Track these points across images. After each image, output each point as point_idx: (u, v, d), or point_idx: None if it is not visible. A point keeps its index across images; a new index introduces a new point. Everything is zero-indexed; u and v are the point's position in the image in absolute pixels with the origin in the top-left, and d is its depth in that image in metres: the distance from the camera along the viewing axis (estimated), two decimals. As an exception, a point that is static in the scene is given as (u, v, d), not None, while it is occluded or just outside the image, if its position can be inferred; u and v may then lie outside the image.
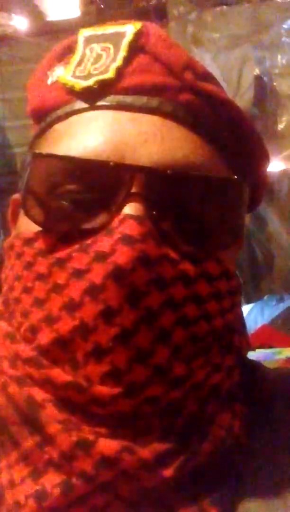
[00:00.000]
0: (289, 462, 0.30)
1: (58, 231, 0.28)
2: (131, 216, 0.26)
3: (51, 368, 0.27)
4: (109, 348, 0.25)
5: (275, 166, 1.66)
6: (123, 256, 0.25)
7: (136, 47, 0.30)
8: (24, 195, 0.29)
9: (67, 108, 0.30)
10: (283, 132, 1.69)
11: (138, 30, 0.30)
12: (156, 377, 0.26)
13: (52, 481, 0.25)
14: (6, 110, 1.78)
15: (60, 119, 0.31)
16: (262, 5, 1.69)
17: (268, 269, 1.83)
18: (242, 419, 0.30)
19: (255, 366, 0.36)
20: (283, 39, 1.69)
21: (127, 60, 0.30)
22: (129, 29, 0.30)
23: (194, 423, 0.28)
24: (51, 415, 0.26)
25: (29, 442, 0.26)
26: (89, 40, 0.31)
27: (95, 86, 0.29)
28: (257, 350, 1.20)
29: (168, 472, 0.26)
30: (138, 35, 0.30)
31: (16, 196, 0.34)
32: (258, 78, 1.67)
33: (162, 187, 0.27)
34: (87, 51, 0.31)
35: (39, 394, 0.27)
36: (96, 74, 0.30)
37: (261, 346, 1.25)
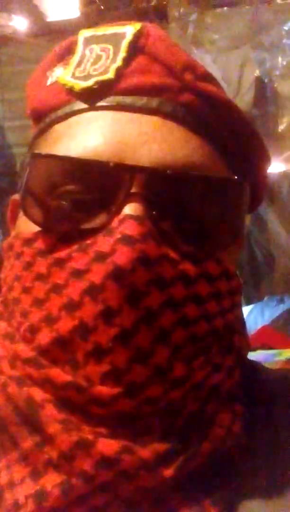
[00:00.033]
0: (289, 462, 0.30)
1: (58, 231, 0.28)
2: (131, 216, 0.26)
3: (50, 368, 0.27)
4: (109, 348, 0.25)
5: (275, 167, 1.66)
6: (123, 256, 0.25)
7: (136, 48, 0.30)
8: (23, 195, 0.29)
9: (67, 109, 0.30)
10: (284, 133, 1.69)
11: (137, 30, 0.30)
12: (156, 377, 0.26)
13: (52, 481, 0.25)
14: (6, 110, 1.79)
15: (59, 119, 0.31)
16: (262, 7, 1.69)
17: (268, 270, 1.83)
18: (242, 419, 0.30)
19: (255, 366, 0.36)
20: (284, 40, 1.69)
21: (127, 60, 0.30)
22: (129, 30, 0.30)
23: (194, 423, 0.28)
24: (51, 415, 0.26)
25: (28, 442, 0.26)
26: (88, 41, 0.31)
27: (95, 87, 0.29)
28: (257, 351, 1.20)
29: (168, 472, 0.26)
30: (138, 35, 0.30)
31: (16, 196, 0.34)
32: (258, 79, 1.68)
33: (162, 187, 0.27)
34: (87, 52, 0.31)
35: (38, 394, 0.27)
36: (96, 75, 0.30)
37: (261, 347, 1.25)
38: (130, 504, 0.26)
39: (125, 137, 0.28)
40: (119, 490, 0.26)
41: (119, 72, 0.29)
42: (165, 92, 0.30)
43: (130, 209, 0.26)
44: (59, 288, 0.27)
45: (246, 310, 1.55)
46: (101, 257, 0.26)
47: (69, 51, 0.32)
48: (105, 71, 0.30)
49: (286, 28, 1.69)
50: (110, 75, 0.29)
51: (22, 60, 1.70)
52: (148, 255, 0.25)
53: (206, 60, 1.62)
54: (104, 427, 0.26)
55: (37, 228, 0.29)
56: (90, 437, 0.25)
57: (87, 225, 0.28)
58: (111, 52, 0.30)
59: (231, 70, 1.65)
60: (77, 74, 0.30)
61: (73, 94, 0.30)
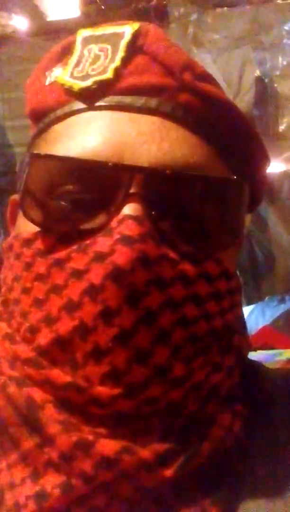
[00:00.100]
0: (289, 462, 0.29)
1: (57, 232, 0.28)
2: (130, 217, 0.26)
3: (50, 368, 0.27)
4: (109, 349, 0.25)
5: (275, 167, 1.66)
6: (122, 256, 0.25)
7: (135, 48, 0.30)
8: (22, 195, 0.29)
9: (66, 109, 0.30)
10: (284, 134, 1.69)
11: (136, 30, 0.30)
12: (156, 377, 0.26)
13: (52, 482, 0.25)
14: (6, 109, 1.79)
15: (58, 119, 0.31)
16: (263, 7, 1.69)
17: (269, 270, 1.83)
18: (242, 419, 0.30)
19: (255, 366, 0.36)
20: (284, 40, 1.69)
21: (126, 60, 0.30)
22: (128, 29, 0.30)
23: (194, 423, 0.28)
24: (51, 416, 0.26)
25: (28, 443, 0.26)
26: (87, 41, 0.31)
27: (94, 87, 0.29)
28: (258, 351, 1.20)
29: (168, 472, 0.25)
30: (137, 35, 0.30)
31: (15, 196, 0.34)
32: (258, 80, 1.67)
33: (161, 187, 0.27)
34: (85, 52, 0.31)
35: (38, 395, 0.27)
36: (95, 75, 0.30)
37: (262, 347, 1.25)
38: (130, 504, 0.26)
39: (124, 137, 0.28)
40: (119, 490, 0.25)
41: (118, 72, 0.29)
42: (164, 92, 0.30)
43: (129, 209, 0.26)
44: (59, 289, 0.27)
45: (247, 310, 1.55)
46: (100, 257, 0.26)
47: (68, 51, 0.32)
48: (104, 71, 0.29)
49: (286, 28, 1.68)
50: (109, 75, 0.29)
51: (22, 59, 1.70)
52: (148, 255, 0.25)
53: (206, 60, 1.62)
54: (104, 427, 0.26)
55: (36, 229, 0.29)
56: (90, 437, 0.25)
57: (86, 225, 0.28)
58: (109, 52, 0.30)
59: (231, 70, 1.65)
60: (75, 74, 0.30)
61: (72, 94, 0.30)
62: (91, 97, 0.30)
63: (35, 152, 0.31)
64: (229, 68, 1.65)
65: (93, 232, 0.27)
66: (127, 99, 0.29)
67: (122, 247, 0.25)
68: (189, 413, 0.28)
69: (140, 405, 0.26)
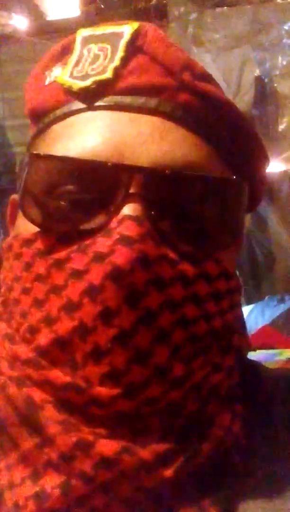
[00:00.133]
0: (289, 462, 0.29)
1: (57, 232, 0.28)
2: (129, 217, 0.26)
3: (50, 369, 0.27)
4: (108, 349, 0.25)
5: (275, 167, 1.66)
6: (121, 256, 0.25)
7: (134, 48, 0.30)
8: (22, 195, 0.29)
9: (65, 109, 0.30)
10: (284, 133, 1.69)
11: (135, 30, 0.30)
12: (156, 377, 0.26)
13: (51, 482, 0.25)
14: (6, 109, 1.78)
15: (58, 119, 0.31)
16: (262, 6, 1.69)
17: (268, 269, 1.83)
18: (241, 419, 0.30)
19: (255, 366, 0.36)
20: (284, 40, 1.69)
21: (125, 60, 0.30)
22: (127, 29, 0.30)
23: (193, 424, 0.28)
24: (50, 416, 0.26)
25: (28, 443, 0.26)
26: (86, 41, 0.31)
27: (93, 87, 0.29)
28: (257, 351, 1.20)
29: (168, 473, 0.25)
30: (136, 35, 0.30)
31: (15, 196, 0.34)
32: (258, 79, 1.67)
33: (161, 187, 0.27)
34: (85, 52, 0.31)
35: (38, 395, 0.27)
36: (94, 75, 0.30)
37: (262, 347, 1.24)
38: (130, 505, 0.26)
39: (123, 137, 0.28)
40: (119, 490, 0.25)
41: (117, 72, 0.29)
42: (163, 92, 0.29)
43: (129, 209, 0.26)
44: (59, 289, 0.27)
45: (246, 310, 1.55)
46: (100, 257, 0.26)
47: (67, 50, 0.32)
48: (103, 71, 0.29)
49: (286, 27, 1.68)
50: (108, 74, 0.29)
51: (22, 59, 1.70)
52: (147, 256, 0.25)
53: (206, 60, 1.62)
54: (103, 427, 0.26)
55: (36, 229, 0.29)
56: (89, 437, 0.25)
57: (86, 226, 0.28)
58: (109, 52, 0.30)
59: (231, 69, 1.65)
60: (75, 74, 0.30)
61: (71, 94, 0.30)
62: (90, 97, 0.30)
63: (35, 152, 0.31)
64: (228, 67, 1.65)
65: (92, 232, 0.27)
66: (127, 99, 0.29)
67: (121, 247, 0.25)
68: (188, 413, 0.28)
69: (140, 405, 0.26)
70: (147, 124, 0.29)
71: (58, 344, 0.27)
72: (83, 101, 0.30)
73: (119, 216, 0.26)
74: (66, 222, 0.28)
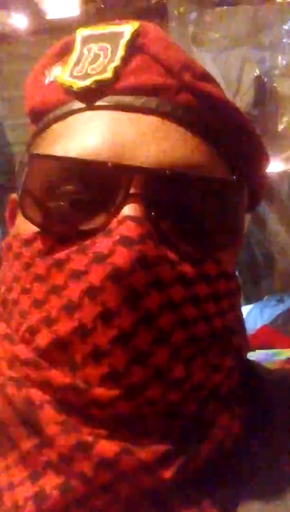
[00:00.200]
0: (289, 463, 0.29)
1: (56, 232, 0.28)
2: (129, 217, 0.26)
3: (49, 369, 0.27)
4: (108, 350, 0.25)
5: (275, 167, 1.66)
6: (121, 257, 0.25)
7: (134, 47, 0.30)
8: (21, 195, 0.29)
9: (65, 108, 0.30)
10: (284, 133, 1.69)
11: (136, 30, 0.30)
12: (155, 378, 0.26)
13: (51, 483, 0.25)
14: (6, 108, 1.78)
15: (58, 119, 0.31)
16: (262, 6, 1.69)
17: (268, 269, 1.83)
18: (241, 420, 0.30)
19: (255, 366, 0.36)
20: (284, 39, 1.69)
21: (125, 60, 0.29)
22: (127, 29, 0.30)
23: (193, 424, 0.27)
24: (50, 417, 0.26)
25: (27, 444, 0.26)
26: (86, 40, 0.31)
27: (93, 86, 0.29)
28: (256, 351, 1.20)
29: (167, 474, 0.25)
30: (136, 35, 0.30)
31: (14, 196, 0.34)
32: (258, 79, 1.67)
33: (161, 187, 0.27)
34: (85, 51, 0.31)
35: (37, 396, 0.27)
36: (94, 74, 0.29)
37: (261, 347, 1.25)
38: (130, 506, 0.26)
39: (123, 137, 0.28)
40: (118, 491, 0.25)
41: (118, 72, 0.29)
42: (163, 92, 0.29)
43: (129, 210, 0.26)
44: (58, 289, 0.27)
45: (245, 309, 1.54)
46: (100, 258, 0.26)
47: (67, 50, 0.32)
48: (103, 71, 0.29)
49: (286, 27, 1.68)
50: (108, 74, 0.29)
51: (22, 58, 1.69)
52: (147, 256, 0.25)
53: (206, 59, 1.62)
54: (103, 428, 0.26)
55: (35, 229, 0.29)
56: (89, 438, 0.25)
57: (85, 226, 0.27)
58: (109, 52, 0.30)
59: (230, 69, 1.65)
60: (75, 74, 0.30)
61: (71, 93, 0.30)
62: (90, 96, 0.29)
63: (35, 152, 0.31)
64: (228, 67, 1.65)
65: (92, 233, 0.27)
66: (127, 99, 0.29)
67: (121, 248, 0.25)
68: (188, 414, 0.27)
69: (140, 406, 0.26)
70: (147, 124, 0.28)
71: (57, 345, 0.27)
72: (83, 101, 0.30)
73: (119, 217, 0.26)
74: (66, 223, 0.28)
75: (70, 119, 0.30)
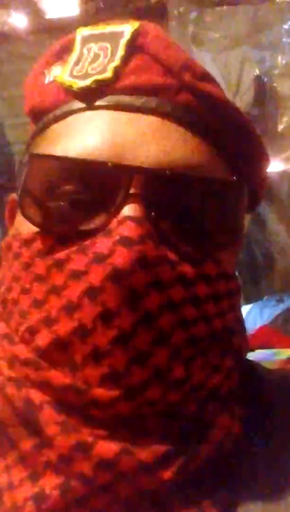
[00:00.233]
0: (288, 463, 0.29)
1: (56, 232, 0.28)
2: (129, 218, 0.26)
3: (49, 370, 0.27)
4: (108, 351, 0.25)
5: (275, 167, 1.66)
6: (121, 257, 0.25)
7: (134, 47, 0.30)
8: (21, 195, 0.29)
9: (65, 108, 0.30)
10: (283, 133, 1.69)
11: (136, 29, 0.30)
12: (155, 379, 0.26)
13: (51, 483, 0.25)
14: (5, 108, 1.78)
15: (57, 119, 0.30)
16: (262, 6, 1.69)
17: (267, 269, 1.83)
18: (241, 420, 0.30)
19: (254, 367, 0.36)
20: (284, 39, 1.69)
21: (125, 60, 0.29)
22: (127, 28, 0.30)
23: (193, 425, 0.27)
24: (50, 417, 0.26)
25: (27, 444, 0.26)
26: (86, 40, 0.31)
27: (93, 86, 0.29)
28: (256, 351, 1.20)
29: (167, 474, 0.25)
30: (136, 34, 0.30)
31: (13, 195, 0.34)
32: (258, 79, 1.67)
33: (161, 188, 0.27)
34: (85, 51, 0.31)
35: (37, 396, 0.27)
36: (94, 74, 0.29)
37: (260, 347, 1.25)
38: (130, 506, 0.26)
39: (123, 137, 0.28)
40: (118, 492, 0.25)
41: (118, 72, 0.29)
42: (163, 92, 0.29)
43: (129, 210, 0.26)
44: (58, 290, 0.27)
45: (245, 309, 1.55)
46: (99, 258, 0.25)
47: (67, 49, 0.32)
48: (103, 70, 0.29)
49: (286, 27, 1.68)
50: (109, 74, 0.29)
51: (21, 57, 1.69)
52: (147, 257, 0.25)
53: (206, 59, 1.62)
54: (103, 429, 0.26)
55: (35, 229, 0.29)
56: (89, 439, 0.25)
57: (85, 226, 0.27)
58: (109, 51, 0.30)
59: (230, 69, 1.65)
60: (75, 73, 0.30)
61: (71, 93, 0.30)
62: (90, 96, 0.29)
63: (35, 152, 0.31)
64: (228, 67, 1.65)
65: (92, 233, 0.27)
66: (127, 99, 0.29)
67: (121, 248, 0.25)
68: (188, 415, 0.27)
69: (140, 406, 0.26)
70: (147, 124, 0.28)
71: (57, 345, 0.26)
72: (83, 101, 0.30)
73: (119, 217, 0.26)
74: (66, 223, 0.28)
75: (70, 118, 0.30)
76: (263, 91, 1.69)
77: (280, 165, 1.69)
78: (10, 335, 0.29)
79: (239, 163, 0.32)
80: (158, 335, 0.26)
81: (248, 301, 1.66)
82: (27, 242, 0.29)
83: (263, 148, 0.33)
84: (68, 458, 0.25)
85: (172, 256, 0.27)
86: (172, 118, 0.29)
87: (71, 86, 0.30)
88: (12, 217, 0.33)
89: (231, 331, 0.31)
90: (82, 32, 0.32)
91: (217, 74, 1.51)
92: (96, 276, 0.25)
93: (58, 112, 0.31)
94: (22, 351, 0.28)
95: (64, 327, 0.26)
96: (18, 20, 1.75)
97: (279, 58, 1.70)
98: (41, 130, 0.32)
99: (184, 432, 0.27)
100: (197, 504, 0.26)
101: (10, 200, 0.35)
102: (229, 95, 0.32)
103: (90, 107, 0.29)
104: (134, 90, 0.29)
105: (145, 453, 0.25)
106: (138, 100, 0.29)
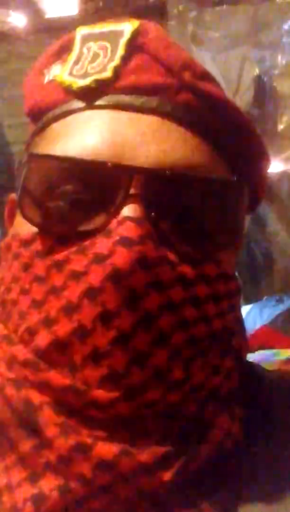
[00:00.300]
0: (288, 464, 0.29)
1: (56, 233, 0.28)
2: (129, 218, 0.26)
3: (48, 371, 0.27)
4: (107, 351, 0.25)
5: (275, 167, 1.66)
6: (121, 258, 0.25)
7: (134, 46, 0.30)
8: (20, 195, 0.29)
9: (64, 108, 0.30)
10: (283, 133, 1.69)
11: (136, 28, 0.30)
12: (155, 380, 0.26)
13: (50, 484, 0.25)
14: (5, 108, 1.78)
15: (57, 118, 0.30)
16: (262, 5, 1.69)
17: (267, 269, 1.83)
18: (241, 421, 0.30)
19: (254, 367, 0.36)
20: (283, 39, 1.69)
21: (125, 59, 0.29)
22: (127, 27, 0.30)
23: (193, 426, 0.27)
24: (49, 418, 0.26)
25: (26, 445, 0.26)
26: (86, 39, 0.31)
27: (93, 85, 0.29)
28: (255, 351, 1.20)
29: (167, 476, 0.25)
30: (136, 34, 0.30)
31: (13, 195, 0.34)
32: (258, 78, 1.67)
33: (161, 188, 0.27)
34: (84, 50, 0.31)
35: (36, 397, 0.26)
36: (94, 73, 0.29)
37: (260, 347, 1.25)
38: (129, 508, 0.26)
39: (123, 137, 0.28)
40: (117, 493, 0.25)
41: (117, 71, 0.29)
42: (163, 92, 0.29)
43: (128, 210, 0.26)
44: (58, 290, 0.27)
45: (245, 309, 1.54)
46: (99, 259, 0.25)
47: (66, 48, 0.32)
48: (103, 70, 0.29)
49: (286, 27, 1.68)
50: (108, 73, 0.29)
51: (20, 57, 1.69)
52: (147, 257, 0.25)
53: (206, 58, 1.61)
54: (102, 430, 0.26)
55: (35, 229, 0.29)
56: (88, 440, 0.25)
57: (85, 227, 0.27)
58: (109, 51, 0.30)
59: (230, 68, 1.65)
60: (74, 73, 0.30)
61: (70, 92, 0.30)
62: (90, 96, 0.29)
63: (34, 151, 0.31)
64: (228, 66, 1.65)
65: (92, 233, 0.27)
66: (127, 98, 0.29)
67: (121, 248, 0.25)
68: (188, 416, 0.27)
69: (139, 407, 0.26)
70: (147, 124, 0.28)
71: (57, 346, 0.26)
72: (82, 100, 0.30)
73: (119, 217, 0.26)
74: (65, 223, 0.28)
75: (70, 118, 0.30)
76: (263, 91, 1.69)
77: (280, 165, 1.69)
78: (9, 336, 0.29)
79: (239, 163, 0.32)
80: (158, 335, 0.26)
81: (248, 301, 1.66)
82: (27, 243, 0.29)
83: (263, 147, 0.33)
84: (68, 459, 0.25)
85: (172, 256, 0.27)
86: (172, 118, 0.29)
87: (70, 86, 0.30)
88: (12, 217, 0.33)
89: (231, 332, 0.31)
90: (82, 31, 0.31)
91: (217, 74, 1.51)
92: (95, 277, 0.25)
93: (57, 111, 0.30)
94: (22, 351, 0.28)
95: (64, 327, 0.26)
96: (18, 20, 1.75)
97: (279, 57, 1.70)
98: (41, 129, 0.32)
99: (184, 432, 0.27)
100: (197, 505, 0.26)
101: (10, 200, 0.35)
102: (229, 95, 0.32)
103: (90, 106, 0.29)
104: (134, 90, 0.29)
105: (145, 454, 0.25)
106: (138, 100, 0.29)
